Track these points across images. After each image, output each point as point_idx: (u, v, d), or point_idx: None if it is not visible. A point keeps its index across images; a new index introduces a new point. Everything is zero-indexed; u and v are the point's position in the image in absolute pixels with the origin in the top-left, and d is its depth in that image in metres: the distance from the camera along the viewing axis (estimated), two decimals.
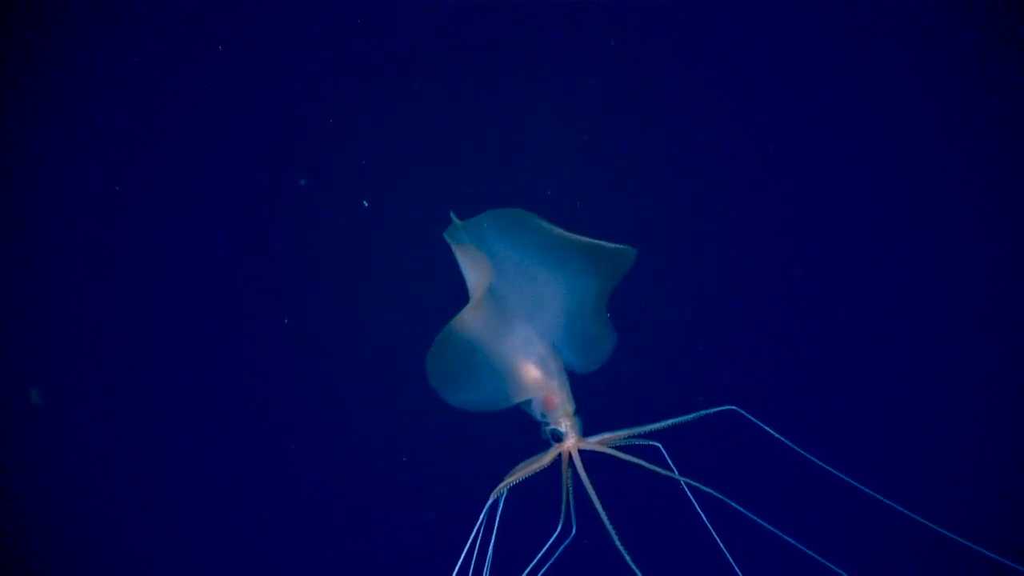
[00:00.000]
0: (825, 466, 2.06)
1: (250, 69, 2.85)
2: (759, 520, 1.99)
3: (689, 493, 2.07)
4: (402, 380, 2.80)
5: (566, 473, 2.13)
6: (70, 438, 2.94)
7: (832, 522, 2.67)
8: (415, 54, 2.87)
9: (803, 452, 2.05)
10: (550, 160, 2.87)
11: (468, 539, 2.05)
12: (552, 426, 2.17)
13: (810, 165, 2.89)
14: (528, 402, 2.23)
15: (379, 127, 2.88)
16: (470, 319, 2.22)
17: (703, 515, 2.06)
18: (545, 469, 2.14)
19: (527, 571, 2.09)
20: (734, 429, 2.09)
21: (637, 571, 2.00)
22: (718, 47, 2.89)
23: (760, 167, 2.89)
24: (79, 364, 2.93)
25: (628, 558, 2.01)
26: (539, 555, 2.09)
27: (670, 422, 2.05)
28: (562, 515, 2.13)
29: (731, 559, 2.08)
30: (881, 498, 2.04)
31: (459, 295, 2.33)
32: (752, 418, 2.07)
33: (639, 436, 2.09)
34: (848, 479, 2.05)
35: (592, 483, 2.06)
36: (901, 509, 2.04)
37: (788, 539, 2.01)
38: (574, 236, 2.29)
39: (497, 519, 2.09)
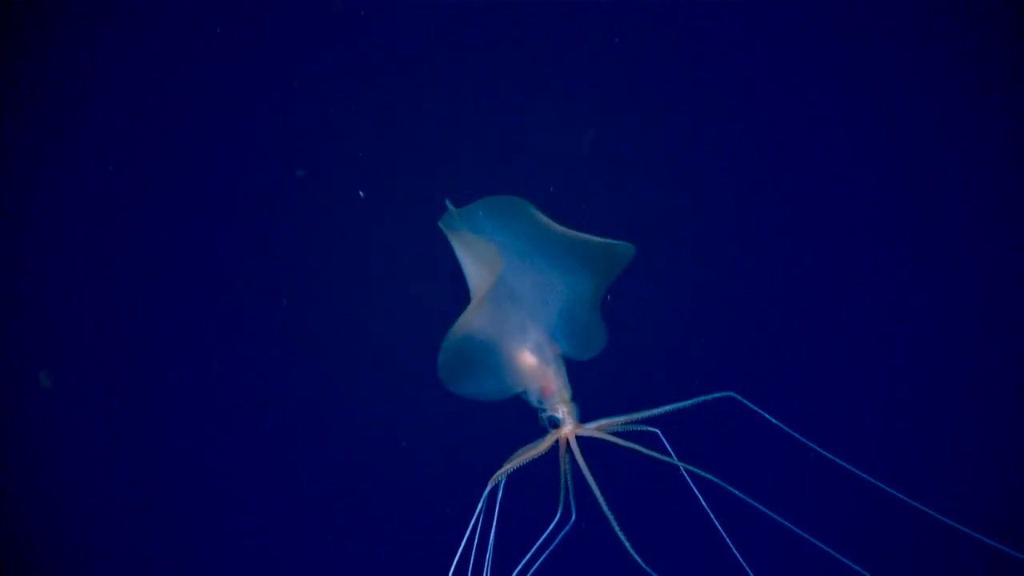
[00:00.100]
0: (822, 451, 2.05)
1: (246, 58, 2.87)
2: (757, 505, 1.98)
3: (688, 478, 2.07)
4: (400, 369, 2.81)
5: (564, 459, 2.13)
6: (70, 438, 2.95)
7: (829, 507, 2.66)
8: (418, 50, 2.88)
9: (800, 437, 2.05)
10: (553, 156, 2.88)
11: (468, 526, 2.05)
12: (549, 413, 2.17)
13: (805, 153, 2.90)
14: (525, 389, 2.23)
15: (381, 121, 2.89)
16: (475, 314, 2.22)
17: (702, 500, 2.05)
18: (544, 455, 2.13)
19: (527, 557, 2.09)
20: (731, 415, 2.09)
21: (637, 557, 2.00)
22: (718, 46, 2.91)
23: (758, 156, 2.90)
24: (78, 364, 2.93)
25: (627, 543, 2.01)
26: (539, 541, 2.09)
27: (667, 408, 2.05)
28: (561, 501, 2.12)
29: (730, 543, 2.07)
30: (878, 483, 2.04)
31: (456, 285, 2.33)
32: (750, 404, 2.06)
33: (637, 422, 2.09)
34: (845, 464, 2.05)
35: (591, 469, 2.06)
36: (898, 495, 2.03)
37: (786, 523, 2.00)
38: (572, 232, 2.29)
39: (497, 506, 2.08)
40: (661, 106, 2.93)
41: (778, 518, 1.99)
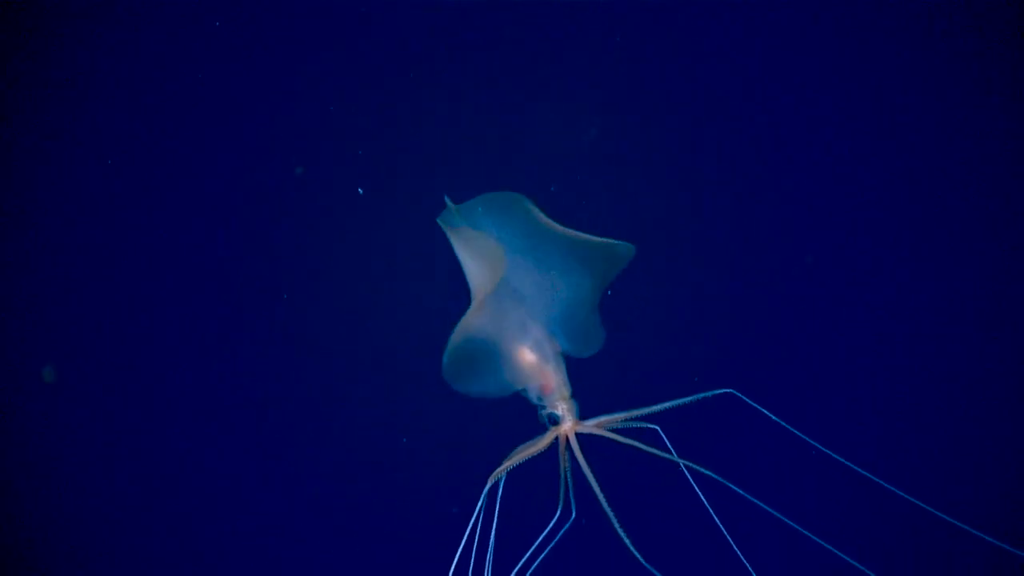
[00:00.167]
0: (820, 447, 2.05)
1: (245, 55, 2.87)
2: (756, 501, 1.98)
3: (688, 474, 2.06)
4: (400, 366, 2.81)
5: (564, 456, 2.13)
6: (70, 438, 2.94)
7: (828, 503, 2.66)
8: (419, 48, 2.88)
9: (799, 433, 2.05)
10: (553, 155, 2.88)
11: (468, 523, 2.05)
12: (549, 409, 2.17)
13: (804, 152, 2.90)
14: (525, 386, 2.23)
15: (380, 118, 2.89)
16: (477, 315, 2.22)
17: (702, 496, 2.05)
18: (544, 453, 2.13)
19: (528, 553, 2.09)
20: (730, 412, 2.09)
21: (637, 553, 2.00)
22: (717, 46, 2.91)
23: (758, 154, 2.91)
24: (78, 364, 2.93)
25: (627, 540, 2.00)
26: (539, 538, 2.08)
27: (666, 405, 2.05)
28: (561, 498, 2.12)
29: (730, 539, 2.07)
30: (876, 479, 2.04)
31: (455, 282, 2.33)
32: (749, 401, 2.06)
33: (636, 419, 2.09)
34: (843, 460, 2.05)
35: (590, 466, 2.06)
36: (896, 491, 2.03)
37: (785, 520, 2.00)
38: (572, 232, 2.29)
39: (497, 503, 2.08)
40: (661, 106, 2.94)
41: (777, 514, 1.99)
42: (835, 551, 2.00)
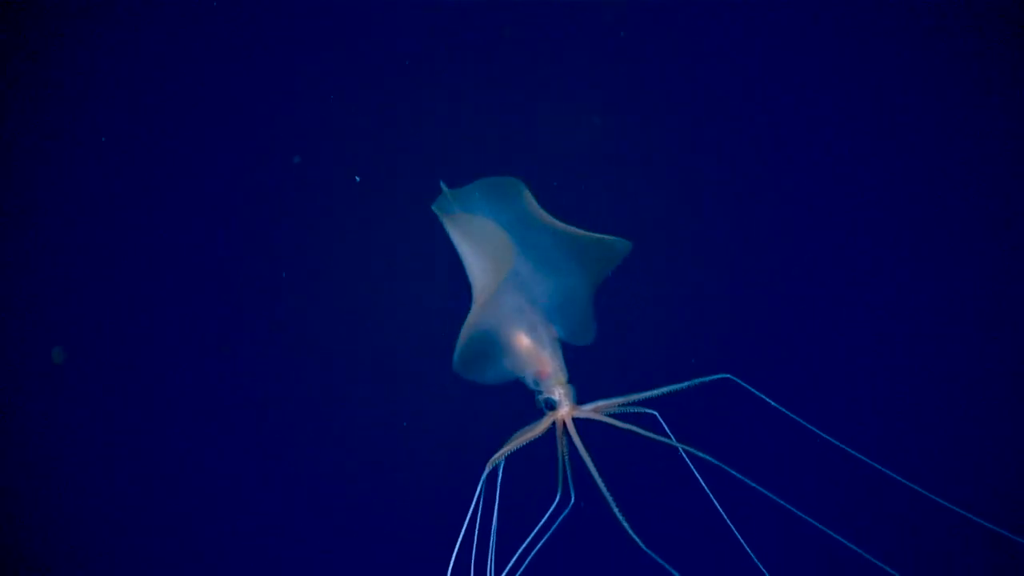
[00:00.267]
0: (818, 431, 2.05)
1: (241, 46, 2.88)
2: (755, 485, 1.97)
3: (686, 458, 2.06)
4: (399, 354, 2.81)
5: (561, 441, 2.12)
6: (70, 437, 2.95)
7: (826, 486, 2.65)
8: (419, 41, 2.90)
9: (797, 418, 2.05)
10: (556, 152, 2.89)
11: (468, 509, 2.05)
12: (546, 395, 2.16)
13: (804, 150, 2.91)
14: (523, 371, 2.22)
15: (380, 110, 2.91)
16: (484, 309, 2.21)
17: (701, 480, 2.05)
18: (543, 438, 2.13)
19: (528, 540, 2.08)
20: (728, 397, 2.09)
21: (636, 538, 1.99)
22: (716, 43, 2.92)
23: (756, 147, 2.91)
24: (78, 364, 2.94)
25: (626, 524, 2.00)
26: (539, 525, 2.08)
27: (664, 390, 2.04)
28: (559, 484, 2.11)
29: (729, 522, 2.06)
30: (874, 464, 2.03)
31: (453, 269, 2.33)
32: (747, 386, 2.06)
33: (634, 404, 2.08)
34: (840, 444, 2.04)
35: (588, 451, 2.05)
36: (894, 475, 2.03)
37: (783, 503, 1.99)
38: (569, 227, 2.29)
39: (497, 489, 2.08)
40: (661, 105, 2.95)
41: (775, 498, 1.98)
42: (832, 534, 1.99)
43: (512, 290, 2.23)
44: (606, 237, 2.26)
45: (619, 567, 2.58)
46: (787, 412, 2.05)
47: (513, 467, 2.12)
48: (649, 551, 1.99)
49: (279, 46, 2.89)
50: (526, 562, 2.08)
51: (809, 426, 2.05)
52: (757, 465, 2.01)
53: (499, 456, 2.10)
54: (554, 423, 2.13)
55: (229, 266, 2.90)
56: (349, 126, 2.90)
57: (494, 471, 2.10)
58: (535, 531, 2.08)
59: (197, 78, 2.88)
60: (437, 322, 2.65)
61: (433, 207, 2.35)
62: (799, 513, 2.00)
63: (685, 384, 2.04)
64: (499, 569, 2.08)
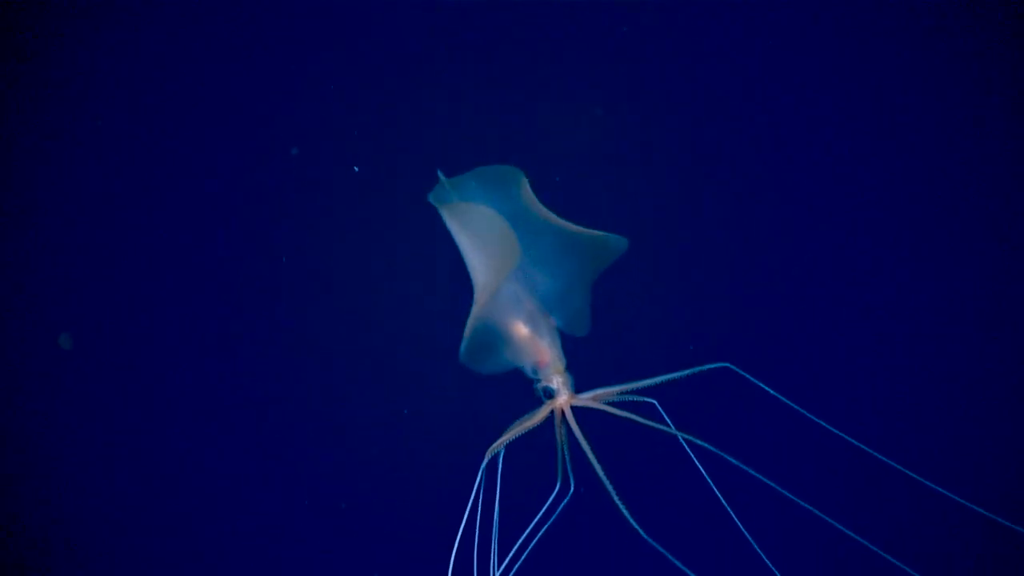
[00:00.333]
0: (816, 419, 2.05)
1: (240, 42, 2.89)
2: (753, 472, 1.97)
3: (686, 447, 2.06)
4: (400, 343, 2.81)
5: (560, 430, 2.12)
6: (70, 437, 2.95)
7: (826, 475, 2.65)
8: (419, 39, 2.91)
9: (795, 406, 2.05)
10: (558, 149, 2.89)
11: (469, 499, 2.04)
12: (544, 383, 2.16)
13: (805, 149, 2.91)
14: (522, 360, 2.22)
15: (379, 108, 2.92)
16: (486, 303, 2.21)
17: (701, 468, 2.04)
18: (542, 427, 2.13)
19: (529, 528, 2.08)
20: (727, 386, 2.09)
21: (637, 526, 1.99)
22: (716, 42, 2.93)
23: (755, 143, 2.92)
24: (78, 364, 2.94)
25: (626, 512, 1.99)
26: (540, 514, 2.07)
27: (662, 378, 2.04)
28: (559, 472, 2.11)
29: (729, 509, 2.06)
30: (872, 452, 2.03)
31: (453, 263, 2.33)
32: (745, 374, 2.06)
33: (632, 392, 2.08)
34: (839, 432, 2.04)
35: (588, 439, 2.05)
36: (893, 464, 2.02)
37: (783, 492, 1.99)
38: (567, 224, 2.29)
39: (498, 477, 2.08)
40: (661, 104, 2.96)
41: (774, 485, 1.98)
42: (832, 521, 1.99)
43: (511, 279, 2.23)
44: (603, 234, 2.26)
45: (619, 554, 2.58)
46: (785, 400, 2.05)
47: (512, 456, 2.12)
48: (648, 538, 1.99)
49: (279, 46, 2.90)
50: (528, 550, 2.08)
51: (807, 414, 2.05)
52: (755, 453, 2.01)
53: (498, 445, 2.10)
54: (553, 411, 2.12)
55: (228, 263, 2.91)
56: (349, 125, 2.91)
57: (494, 460, 2.09)
58: (536, 519, 2.08)
59: (197, 77, 2.89)
60: (437, 315, 2.65)
61: (430, 197, 2.34)
62: (798, 500, 1.99)
63: (684, 372, 2.04)
64: (501, 557, 2.07)
